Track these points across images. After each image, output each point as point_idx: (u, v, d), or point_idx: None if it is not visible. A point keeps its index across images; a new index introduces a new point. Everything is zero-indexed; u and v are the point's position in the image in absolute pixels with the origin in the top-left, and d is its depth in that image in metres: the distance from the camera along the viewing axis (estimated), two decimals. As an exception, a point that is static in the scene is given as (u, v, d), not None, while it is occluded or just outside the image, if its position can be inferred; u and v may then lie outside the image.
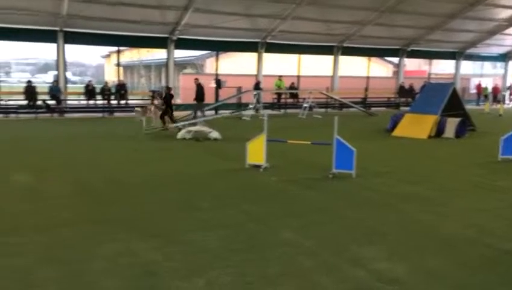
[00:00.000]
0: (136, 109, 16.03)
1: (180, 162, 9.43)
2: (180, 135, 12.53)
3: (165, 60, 22.92)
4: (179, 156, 10.12)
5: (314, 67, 26.30)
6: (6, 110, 18.33)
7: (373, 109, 24.14)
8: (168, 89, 15.82)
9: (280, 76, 23.38)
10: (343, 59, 26.14)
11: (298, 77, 25.50)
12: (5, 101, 19.00)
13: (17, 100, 19.03)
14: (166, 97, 15.14)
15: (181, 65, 29.17)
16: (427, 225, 5.53)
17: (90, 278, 3.89)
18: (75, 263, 4.18)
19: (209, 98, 21.24)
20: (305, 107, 20.44)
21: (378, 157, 10.09)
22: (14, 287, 3.70)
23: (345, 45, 25.27)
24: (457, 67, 30.27)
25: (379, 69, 33.14)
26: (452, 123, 13.43)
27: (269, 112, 10.71)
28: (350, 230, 5.26)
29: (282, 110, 23.18)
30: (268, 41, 23.37)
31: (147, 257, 4.35)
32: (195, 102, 17.91)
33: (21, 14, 17.47)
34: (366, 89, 26.36)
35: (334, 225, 5.46)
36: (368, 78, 27.56)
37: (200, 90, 17.87)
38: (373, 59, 29.71)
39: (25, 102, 18.67)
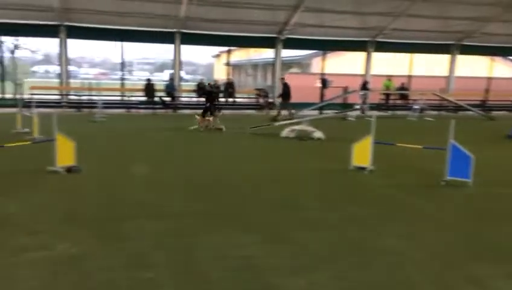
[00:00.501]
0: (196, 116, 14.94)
1: (284, 160, 9.50)
2: (283, 133, 12.63)
3: (272, 60, 23.31)
4: (282, 155, 10.21)
5: (427, 66, 24.79)
6: (128, 105, 20.12)
7: (493, 112, 22.05)
8: (211, 86, 15.77)
9: (389, 76, 22.44)
10: (461, 58, 24.25)
11: (409, 77, 24.25)
12: (128, 97, 20.88)
13: (137, 96, 20.79)
14: (211, 94, 14.97)
15: (287, 64, 29.44)
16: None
17: (196, 267, 4.08)
18: (183, 251, 4.41)
19: (314, 97, 21.22)
20: (416, 109, 19.35)
21: (498, 166, 9.17)
22: (130, 268, 4.01)
23: (464, 43, 23.42)
24: None
25: (503, 69, 30.15)
26: None
27: (376, 113, 10.34)
28: (465, 243, 4.85)
29: (390, 112, 22.21)
30: (378, 40, 22.57)
31: (249, 252, 4.44)
32: (281, 100, 18.24)
33: (145, 17, 19.05)
34: (487, 91, 24.15)
35: (447, 236, 5.06)
36: (489, 79, 25.23)
37: (286, 89, 18.05)
38: (496, 58, 27.11)
39: (144, 98, 20.31)
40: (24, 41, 27.01)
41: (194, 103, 21.48)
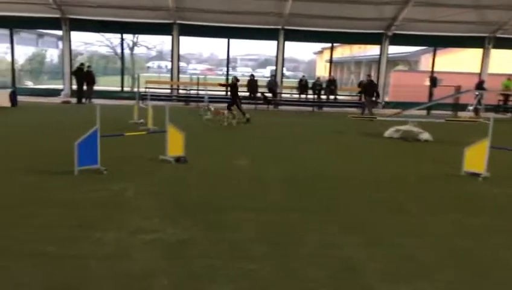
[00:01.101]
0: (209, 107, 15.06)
1: (388, 161, 9.16)
2: (387, 133, 12.17)
3: (377, 56, 22.55)
4: (385, 155, 9.85)
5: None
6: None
7: None
8: (236, 79, 15.40)
9: (510, 75, 20.43)
10: None
11: (534, 76, 21.84)
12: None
13: (241, 92, 21.39)
14: (234, 88, 14.74)
15: (393, 62, 28.24)
16: None
17: (296, 262, 4.11)
18: (283, 246, 4.48)
19: (422, 97, 20.08)
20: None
21: None
22: (232, 258, 4.17)
23: None
24: None
25: None
26: None
27: (493, 115, 9.49)
28: None
29: (510, 114, 20.25)
30: (498, 35, 20.66)
31: (350, 253, 4.36)
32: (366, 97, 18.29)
33: (250, 14, 19.58)
34: None
35: None
36: None
37: (370, 87, 18.24)
38: None
39: (247, 94, 20.87)
40: (142, 38, 29.48)
41: (295, 100, 21.59)
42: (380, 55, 21.83)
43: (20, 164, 7.60)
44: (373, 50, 25.74)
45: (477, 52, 21.63)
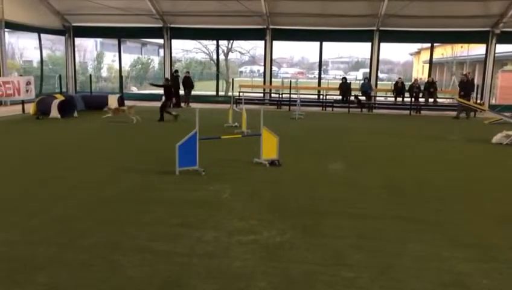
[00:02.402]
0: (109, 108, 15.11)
1: (497, 169, 8.43)
2: (495, 139, 11.22)
3: (482, 56, 20.93)
4: (494, 162, 9.08)
5: None
6: (324, 103, 20.65)
7: None
8: (168, 80, 15.26)
9: None
10: None
11: None
12: (324, 95, 21.44)
13: (333, 95, 21.16)
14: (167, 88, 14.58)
15: (501, 61, 25.98)
16: None
17: (397, 274, 3.92)
18: (383, 255, 4.30)
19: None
20: None
21: None
22: (330, 264, 4.10)
23: None
24: None
25: None
26: None
27: None
28: None
29: None
30: None
31: (457, 267, 4.06)
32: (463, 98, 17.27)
33: (343, 17, 19.27)
34: None
35: None
36: None
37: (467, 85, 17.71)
38: None
39: (339, 97, 20.55)
40: (236, 44, 30.41)
41: (391, 103, 20.80)
42: (486, 54, 20.22)
43: (129, 163, 8.21)
44: (477, 49, 23.93)
45: None
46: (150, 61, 34.02)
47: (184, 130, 7.80)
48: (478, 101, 19.23)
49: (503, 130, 11.37)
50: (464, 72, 18.63)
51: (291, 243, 4.56)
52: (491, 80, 20.57)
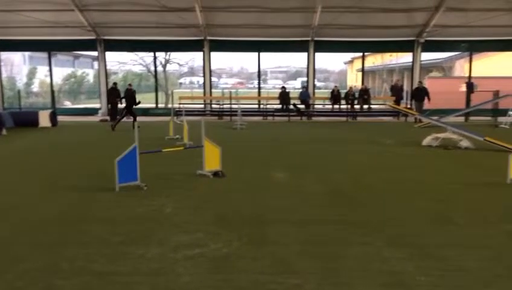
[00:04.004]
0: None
1: (428, 170, 8.93)
2: (425, 141, 11.90)
3: (409, 64, 22.19)
4: (425, 164, 9.61)
5: None
6: (265, 113, 20.91)
7: None
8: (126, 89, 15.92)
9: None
10: None
11: None
12: (264, 105, 21.71)
13: (273, 104, 21.50)
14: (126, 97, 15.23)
15: (426, 68, 27.72)
16: None
17: (342, 278, 4.02)
18: (328, 260, 4.40)
19: (458, 103, 19.62)
20: None
21: None
22: (276, 272, 4.12)
23: None
24: None
25: None
26: None
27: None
28: None
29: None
30: (538, 37, 20.00)
31: (397, 267, 4.24)
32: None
33: (280, 28, 19.71)
34: None
35: None
36: None
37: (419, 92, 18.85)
38: None
39: (279, 106, 20.91)
40: (173, 56, 30.12)
41: (329, 110, 21.46)
42: (413, 62, 21.47)
43: (64, 181, 7.83)
44: (405, 57, 25.35)
45: (514, 55, 20.98)
46: (84, 74, 32.86)
47: (125, 144, 7.57)
48: (408, 106, 20.33)
49: (432, 133, 12.08)
50: (394, 80, 19.71)
51: (238, 254, 4.55)
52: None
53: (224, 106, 21.44)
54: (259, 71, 23.03)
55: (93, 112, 22.14)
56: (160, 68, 29.19)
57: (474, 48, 21.67)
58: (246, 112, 19.60)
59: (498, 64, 23.81)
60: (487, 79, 20.87)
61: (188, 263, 4.33)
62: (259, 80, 23.52)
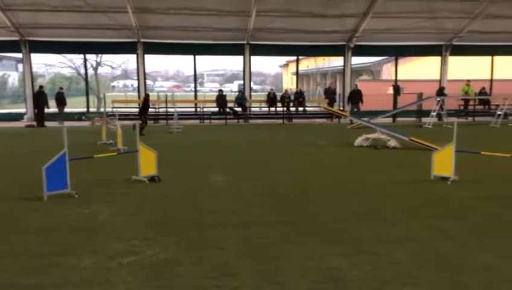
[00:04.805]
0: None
1: (360, 169, 9.32)
2: (357, 142, 12.40)
3: (341, 67, 23.04)
4: (358, 164, 10.02)
5: (510, 70, 23.20)
6: (201, 116, 20.79)
7: None
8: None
9: (468, 81, 21.27)
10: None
11: (491, 81, 22.84)
12: (201, 108, 21.58)
13: (210, 107, 21.43)
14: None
15: (357, 72, 28.94)
16: None
17: (281, 277, 4.09)
18: (267, 261, 4.45)
19: (386, 105, 20.68)
20: (499, 114, 18.17)
21: None
22: (215, 276, 4.11)
23: (551, 43, 21.70)
24: None
25: None
26: None
27: (454, 119, 9.85)
28: None
29: (470, 118, 21.07)
30: (454, 43, 21.55)
31: (332, 263, 4.38)
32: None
33: (215, 31, 19.69)
34: None
35: (545, 252, 4.68)
36: None
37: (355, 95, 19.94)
38: None
39: (216, 109, 20.88)
40: (105, 58, 29.14)
41: (265, 113, 21.75)
42: (344, 66, 22.32)
43: (-14, 192, 7.30)
44: (337, 61, 26.30)
45: (436, 59, 22.44)
46: (5, 76, 30.86)
47: (56, 150, 7.19)
48: (341, 108, 21.13)
49: (362, 134, 12.62)
50: (327, 83, 20.47)
51: (176, 259, 4.48)
52: (350, 89, 22.72)
53: (160, 109, 21.05)
54: (195, 74, 22.87)
55: (18, 117, 20.85)
56: (91, 71, 28.13)
57: (399, 52, 22.93)
58: (183, 116, 19.40)
59: (421, 68, 25.37)
60: (412, 82, 22.18)
61: (123, 272, 4.20)
62: (195, 83, 23.35)
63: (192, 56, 21.95)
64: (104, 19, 18.37)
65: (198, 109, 21.83)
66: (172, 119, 17.77)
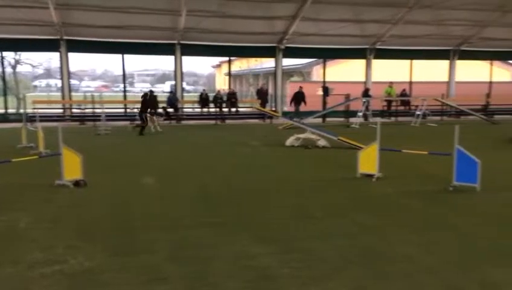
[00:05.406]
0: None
1: (291, 169, 9.51)
2: (288, 142, 12.66)
3: (273, 69, 23.42)
4: (289, 163, 10.22)
5: (428, 72, 24.87)
6: (131, 117, 20.13)
7: (496, 116, 22.12)
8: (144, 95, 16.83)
9: (391, 83, 22.51)
10: (461, 63, 24.33)
11: (410, 83, 24.34)
12: (131, 109, 20.93)
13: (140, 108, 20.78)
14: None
15: (288, 73, 29.56)
16: None
17: (212, 278, 4.06)
18: (197, 263, 4.40)
19: (317, 105, 21.32)
20: (418, 114, 19.41)
21: (506, 170, 9.17)
22: (144, 281, 4.00)
23: (462, 48, 23.55)
24: None
25: (502, 73, 30.27)
26: None
27: (379, 119, 10.39)
28: (477, 249, 4.83)
29: (393, 118, 22.29)
30: (377, 47, 22.70)
31: (264, 262, 4.42)
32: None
33: (144, 30, 19.18)
34: (488, 95, 24.20)
35: (458, 241, 5.05)
36: (490, 83, 25.33)
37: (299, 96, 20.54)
38: (495, 63, 27.21)
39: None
40: (25, 56, 27.37)
41: (198, 114, 21.55)
42: (276, 67, 22.70)
43: None
44: (269, 63, 26.67)
45: (362, 62, 23.50)
46: None
47: None
48: (273, 109, 21.47)
49: (294, 134, 12.90)
50: (260, 84, 20.73)
51: (102, 267, 4.30)
52: (282, 90, 23.19)
53: (87, 110, 20.14)
54: (124, 74, 22.13)
55: None
56: (9, 69, 26.29)
57: (327, 55, 23.74)
58: (112, 117, 18.71)
59: (348, 70, 26.42)
60: (340, 83, 23.05)
61: (44, 282, 3.96)
62: (124, 83, 22.60)
63: (120, 55, 21.22)
64: (23, 14, 17.23)
65: (128, 110, 21.15)
66: (100, 120, 17.05)
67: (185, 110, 22.04)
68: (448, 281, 4.04)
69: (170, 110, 20.36)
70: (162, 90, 34.08)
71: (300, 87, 21.30)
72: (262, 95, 21.92)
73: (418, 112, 19.59)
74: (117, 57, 21.56)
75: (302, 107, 20.57)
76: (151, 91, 17.59)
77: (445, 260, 4.49)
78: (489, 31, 21.94)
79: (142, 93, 20.07)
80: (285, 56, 22.57)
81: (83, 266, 4.31)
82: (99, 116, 17.37)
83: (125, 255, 4.58)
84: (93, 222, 5.73)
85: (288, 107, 22.37)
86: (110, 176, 8.49)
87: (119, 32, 19.31)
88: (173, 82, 22.33)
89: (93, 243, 4.92)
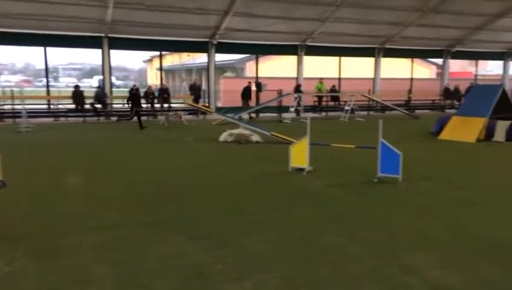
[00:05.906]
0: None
1: (223, 164, 9.53)
2: (222, 137, 12.67)
3: (206, 64, 23.25)
4: (221, 159, 10.24)
5: (355, 69, 25.94)
6: (56, 113, 19.14)
7: (417, 111, 23.60)
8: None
9: (321, 79, 23.20)
10: (385, 61, 25.64)
11: (339, 79, 25.24)
12: (55, 105, 19.86)
13: (65, 104, 19.84)
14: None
15: (221, 69, 29.50)
16: (477, 230, 5.33)
17: (142, 279, 3.97)
18: (127, 264, 4.28)
19: (251, 101, 21.47)
20: (347, 110, 20.21)
21: (425, 161, 9.83)
22: (70, 285, 3.83)
23: (386, 46, 24.80)
24: (505, 68, 29.07)
25: (422, 70, 32.32)
26: (502, 126, 12.89)
27: (310, 115, 10.68)
28: (398, 236, 5.14)
29: (323, 113, 23.02)
30: (308, 44, 23.28)
31: (196, 259, 4.40)
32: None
33: (69, 21, 18.21)
34: (410, 91, 25.74)
35: (381, 230, 5.34)
36: (411, 80, 26.94)
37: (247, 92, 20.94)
38: (416, 60, 28.99)
39: (73, 106, 19.41)
40: None
41: (128, 110, 20.86)
42: (208, 62, 22.55)
43: None
44: (202, 58, 26.46)
45: (293, 58, 24.00)
46: None
47: None
48: (206, 104, 21.33)
49: (227, 130, 12.93)
50: (193, 79, 20.55)
51: (24, 271, 4.06)
52: (215, 85, 23.09)
53: (6, 106, 18.83)
54: (46, 68, 20.88)
55: None
56: None
57: (259, 51, 23.98)
58: (34, 113, 17.65)
59: (280, 66, 26.88)
60: (272, 79, 23.40)
61: (-43, 293, 3.67)
62: (47, 77, 21.34)
63: (42, 48, 19.99)
64: None
65: (52, 106, 20.04)
66: (20, 117, 16.01)
67: (114, 106, 21.22)
68: (372, 267, 4.26)
69: (98, 106, 19.58)
70: (90, 85, 32.67)
71: (249, 82, 21.36)
72: (195, 90, 21.71)
73: (346, 108, 20.40)
74: (39, 49, 20.29)
75: (229, 103, 20.68)
76: (134, 85, 17.61)
77: (369, 248, 4.73)
78: (410, 31, 23.28)
79: (74, 88, 19.23)
80: (218, 51, 22.45)
81: (2, 272, 4.04)
82: (20, 112, 16.30)
83: (48, 259, 4.36)
84: (13, 224, 5.40)
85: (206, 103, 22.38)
86: (32, 176, 8.03)
87: (41, 24, 18.17)
88: (101, 77, 21.45)
89: (14, 247, 4.63)
